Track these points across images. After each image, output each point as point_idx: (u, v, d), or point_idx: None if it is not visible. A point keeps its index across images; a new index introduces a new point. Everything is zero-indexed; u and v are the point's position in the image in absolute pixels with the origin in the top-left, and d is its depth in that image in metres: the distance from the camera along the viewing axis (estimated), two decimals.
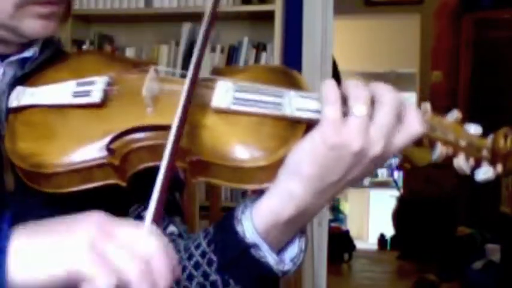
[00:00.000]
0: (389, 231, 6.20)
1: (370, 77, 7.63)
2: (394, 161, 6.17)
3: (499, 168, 0.71)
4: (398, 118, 0.67)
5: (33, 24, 0.78)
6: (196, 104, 0.70)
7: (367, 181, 7.60)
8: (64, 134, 0.75)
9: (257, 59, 2.95)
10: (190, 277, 0.73)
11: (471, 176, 0.71)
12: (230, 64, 2.96)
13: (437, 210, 5.12)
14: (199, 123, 0.71)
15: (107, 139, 0.72)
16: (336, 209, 6.74)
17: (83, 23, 3.21)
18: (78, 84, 0.77)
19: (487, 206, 4.35)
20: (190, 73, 0.70)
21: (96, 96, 0.74)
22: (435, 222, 5.10)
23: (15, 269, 0.57)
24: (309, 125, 0.69)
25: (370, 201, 7.52)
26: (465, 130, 0.71)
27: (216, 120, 0.71)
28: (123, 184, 0.73)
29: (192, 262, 0.74)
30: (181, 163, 0.70)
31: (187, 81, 0.69)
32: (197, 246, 0.74)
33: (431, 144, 0.70)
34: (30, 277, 0.57)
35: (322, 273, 2.95)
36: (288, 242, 0.73)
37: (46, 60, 0.83)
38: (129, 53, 3.12)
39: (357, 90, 0.67)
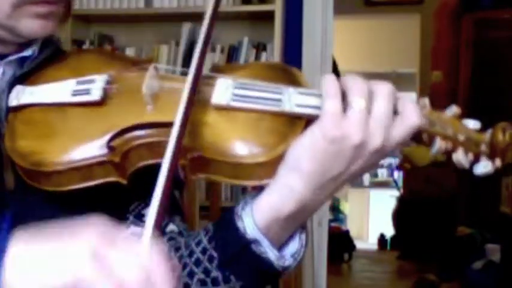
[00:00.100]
0: (389, 231, 6.20)
1: (370, 77, 7.58)
2: (394, 161, 6.19)
3: (498, 162, 0.71)
4: (395, 109, 0.68)
5: (31, 24, 0.79)
6: (196, 101, 0.70)
7: (367, 181, 7.61)
8: (64, 132, 0.75)
9: (257, 59, 2.95)
10: (191, 274, 0.74)
11: (470, 171, 0.72)
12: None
13: (437, 210, 5.12)
14: (200, 120, 0.71)
15: (107, 137, 0.72)
16: (336, 209, 6.74)
17: (83, 23, 3.21)
18: (78, 83, 0.77)
19: (487, 206, 4.36)
20: (192, 71, 0.70)
21: (95, 95, 0.75)
22: (435, 222, 5.11)
23: (12, 275, 0.56)
24: (308, 121, 0.69)
25: (370, 201, 7.52)
26: (464, 125, 0.72)
27: (216, 117, 0.71)
28: (124, 182, 0.73)
29: (193, 259, 0.74)
30: (181, 160, 0.70)
31: (189, 79, 0.70)
32: (198, 243, 0.74)
33: (431, 139, 0.70)
34: (28, 284, 0.56)
35: (322, 273, 2.95)
36: (289, 238, 0.73)
37: (45, 59, 0.83)
38: (129, 53, 3.12)
39: (355, 84, 0.68)
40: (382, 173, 7.66)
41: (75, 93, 0.76)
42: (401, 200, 5.89)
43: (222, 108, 0.71)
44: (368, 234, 7.21)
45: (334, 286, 4.01)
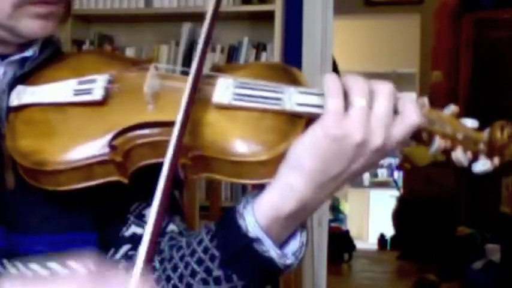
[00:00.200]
0: (389, 231, 6.20)
1: (370, 77, 7.61)
2: (394, 161, 6.17)
3: (496, 160, 0.72)
4: (395, 108, 0.68)
5: (31, 24, 0.79)
6: (197, 100, 0.71)
7: (367, 181, 7.61)
8: (65, 132, 0.75)
9: (257, 59, 2.95)
10: (193, 273, 0.74)
11: (469, 169, 0.73)
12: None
13: (437, 210, 5.12)
14: (201, 119, 0.71)
15: (109, 136, 0.73)
16: (336, 209, 6.74)
17: (83, 23, 3.21)
18: (79, 83, 0.77)
19: (487, 206, 4.36)
20: (193, 70, 0.71)
21: (97, 94, 0.75)
22: (435, 222, 5.11)
23: None
24: (309, 120, 0.70)
25: (370, 201, 7.52)
26: (462, 124, 0.72)
27: (217, 116, 0.71)
28: (125, 181, 0.73)
29: (194, 258, 0.74)
30: (183, 159, 0.70)
31: (190, 78, 0.70)
32: (199, 242, 0.74)
33: (430, 138, 0.71)
34: None
35: (322, 273, 2.95)
36: (290, 236, 0.74)
37: (46, 59, 0.83)
38: (129, 53, 3.12)
39: (356, 84, 0.68)
40: (382, 173, 7.66)
41: (77, 92, 0.76)
42: (401, 200, 5.89)
43: (223, 108, 0.71)
44: (368, 234, 7.21)
45: (334, 286, 4.01)
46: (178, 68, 0.79)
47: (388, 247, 6.32)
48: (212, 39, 0.79)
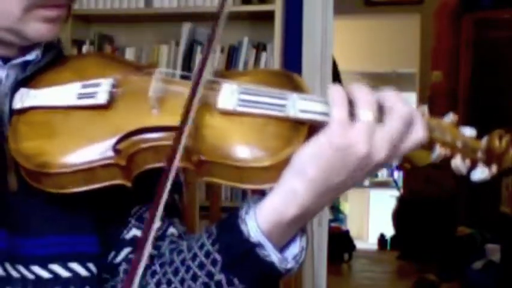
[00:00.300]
0: (389, 231, 6.20)
1: (370, 77, 7.64)
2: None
3: (494, 168, 0.73)
4: (408, 129, 0.69)
5: (39, 28, 0.79)
6: (201, 105, 0.71)
7: (367, 181, 7.61)
8: (69, 135, 0.75)
9: (257, 59, 2.95)
10: (194, 277, 0.74)
11: (467, 177, 0.73)
12: (230, 64, 2.96)
13: (437, 210, 5.12)
14: (205, 124, 0.72)
15: (114, 140, 0.73)
16: (336, 209, 6.74)
17: (83, 23, 3.21)
18: (83, 86, 0.77)
19: (487, 206, 4.36)
20: (197, 75, 0.71)
21: (102, 98, 0.75)
22: (435, 222, 5.11)
23: None
24: (312, 127, 0.71)
25: (370, 201, 7.53)
26: (461, 132, 0.73)
27: (221, 122, 0.72)
28: (129, 184, 0.74)
29: (196, 262, 0.74)
30: (187, 163, 0.70)
31: (194, 83, 0.71)
32: (201, 246, 0.74)
33: (430, 145, 0.72)
34: None
35: (322, 273, 2.95)
36: (290, 241, 0.74)
37: (48, 63, 0.83)
38: (129, 53, 3.12)
39: (364, 95, 0.69)
40: (382, 173, 7.66)
41: (81, 96, 0.76)
42: (401, 200, 5.89)
43: (227, 113, 0.72)
44: (368, 234, 7.21)
45: (334, 286, 4.01)
46: (178, 72, 0.79)
47: (388, 247, 6.32)
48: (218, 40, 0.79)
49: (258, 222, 0.71)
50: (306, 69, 2.92)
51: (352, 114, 0.68)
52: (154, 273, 0.77)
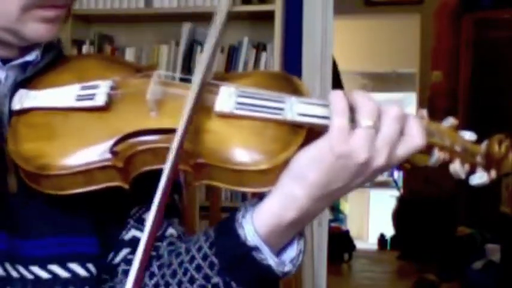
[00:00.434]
0: (389, 231, 6.20)
1: (370, 77, 7.64)
2: None
3: (493, 173, 0.73)
4: (401, 130, 0.69)
5: (37, 28, 0.79)
6: (199, 108, 0.71)
7: None
8: (67, 137, 0.76)
9: (257, 59, 2.95)
10: (191, 280, 0.74)
11: (466, 181, 0.74)
12: (230, 64, 2.96)
13: (437, 210, 5.12)
14: (203, 127, 0.72)
15: (111, 142, 0.73)
16: (336, 209, 6.74)
17: (83, 23, 3.21)
18: (82, 88, 0.77)
19: (487, 206, 4.35)
20: (196, 78, 0.71)
21: (100, 100, 0.75)
22: (435, 222, 5.11)
23: None
24: (310, 131, 0.71)
25: (370, 201, 7.52)
26: (460, 136, 0.73)
27: (219, 124, 0.72)
28: (126, 186, 0.74)
29: (193, 265, 0.74)
30: (184, 166, 0.70)
31: (193, 87, 0.71)
32: (198, 249, 0.74)
33: (429, 149, 0.72)
34: None
35: (322, 273, 2.95)
36: (287, 244, 0.74)
37: (48, 64, 0.83)
38: (129, 53, 3.12)
39: (365, 102, 0.69)
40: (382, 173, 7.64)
41: (79, 98, 0.76)
42: (401, 200, 5.90)
43: (225, 116, 0.72)
44: (368, 234, 7.21)
45: (334, 286, 4.01)
46: (178, 75, 0.79)
47: (388, 247, 6.32)
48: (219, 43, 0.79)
49: (255, 225, 0.71)
50: (306, 69, 2.92)
51: (352, 120, 0.68)
52: (152, 275, 0.77)
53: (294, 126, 0.71)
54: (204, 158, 0.70)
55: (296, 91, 0.74)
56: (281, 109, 0.71)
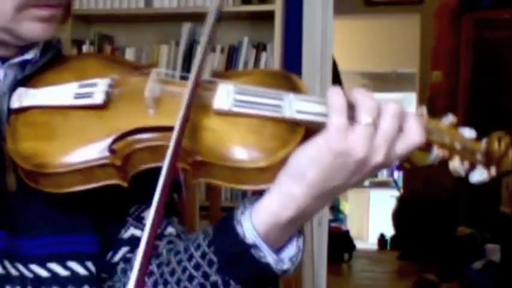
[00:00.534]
0: (389, 231, 6.20)
1: (370, 77, 7.64)
2: None
3: (493, 171, 0.73)
4: (400, 128, 0.69)
5: (33, 27, 0.79)
6: (197, 106, 0.71)
7: (367, 181, 7.61)
8: (66, 135, 0.76)
9: (257, 59, 2.95)
10: (190, 278, 0.74)
11: (466, 178, 0.73)
12: (230, 64, 2.96)
13: (437, 210, 5.12)
14: (201, 124, 0.72)
15: (109, 140, 0.73)
16: (336, 209, 6.74)
17: (83, 23, 3.21)
18: (80, 86, 0.77)
19: (487, 206, 4.36)
20: (192, 75, 0.71)
21: (98, 98, 0.75)
22: (435, 222, 5.10)
23: None
24: (309, 128, 0.71)
25: (370, 201, 7.52)
26: (460, 134, 0.73)
27: (217, 122, 0.72)
28: (125, 184, 0.74)
29: (192, 263, 0.74)
30: (182, 164, 0.70)
31: (189, 84, 0.70)
32: (197, 247, 0.74)
33: (428, 147, 0.72)
34: None
35: (322, 273, 2.95)
36: (286, 242, 0.74)
37: (47, 62, 0.83)
38: (129, 53, 3.12)
39: (365, 100, 0.69)
40: (382, 173, 7.65)
41: (78, 96, 0.76)
42: (401, 200, 5.89)
43: (223, 114, 0.72)
44: (368, 234, 7.21)
45: (334, 286, 4.01)
46: (178, 73, 0.79)
47: (388, 247, 6.32)
48: (212, 42, 0.79)
49: (253, 223, 0.71)
50: (306, 69, 2.92)
51: (351, 117, 0.68)
52: (151, 273, 0.77)
53: (293, 124, 0.71)
54: (202, 155, 0.70)
55: (295, 89, 0.73)
56: (279, 106, 0.71)
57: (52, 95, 0.78)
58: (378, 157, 0.68)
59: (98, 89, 0.76)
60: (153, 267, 0.78)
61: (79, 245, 0.80)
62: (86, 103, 0.76)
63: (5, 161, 0.77)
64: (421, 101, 5.96)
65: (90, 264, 0.80)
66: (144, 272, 0.58)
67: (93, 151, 0.73)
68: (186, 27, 3.02)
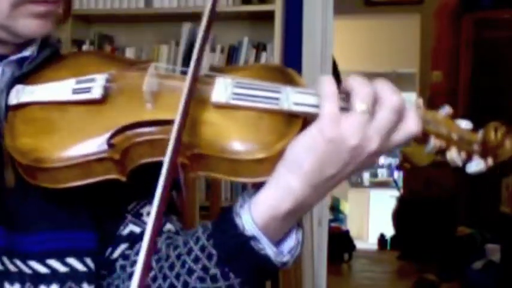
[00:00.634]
0: (389, 231, 6.21)
1: (370, 77, 7.62)
2: (394, 161, 6.16)
3: (490, 161, 0.73)
4: (399, 119, 0.69)
5: (29, 24, 0.79)
6: (195, 99, 0.71)
7: (367, 181, 7.61)
8: (64, 130, 0.76)
9: (257, 59, 2.95)
10: (190, 271, 0.74)
11: (463, 169, 0.74)
12: (230, 64, 2.96)
13: (437, 210, 5.12)
14: (199, 118, 0.72)
15: (108, 134, 0.73)
16: (336, 209, 6.74)
17: (83, 23, 3.21)
18: (78, 82, 0.77)
19: (487, 206, 4.36)
20: (191, 69, 0.71)
21: (96, 93, 0.75)
22: (435, 222, 5.11)
23: None
24: (306, 120, 0.71)
25: (370, 201, 7.53)
26: (457, 124, 0.73)
27: (216, 115, 0.72)
28: (123, 179, 0.74)
29: (191, 256, 0.74)
30: (181, 157, 0.70)
31: (188, 77, 0.71)
32: (196, 241, 0.74)
33: (425, 138, 0.72)
34: None
35: (322, 273, 2.95)
36: (285, 234, 0.74)
37: (44, 60, 0.83)
38: (129, 53, 3.13)
39: (360, 87, 0.68)
40: (382, 173, 7.67)
41: (76, 91, 0.76)
42: (401, 200, 5.90)
43: (221, 107, 0.72)
44: (368, 234, 7.21)
45: (334, 286, 4.01)
46: (178, 68, 0.79)
47: (388, 247, 6.32)
48: (211, 39, 0.79)
49: (252, 216, 0.71)
50: (306, 69, 2.92)
51: (347, 105, 0.68)
52: (150, 268, 0.77)
53: (290, 116, 0.71)
54: (200, 148, 0.70)
55: (292, 82, 0.73)
56: (277, 99, 0.71)
57: (50, 90, 0.78)
58: (373, 145, 0.68)
59: (96, 84, 0.76)
60: (152, 262, 0.78)
61: (78, 241, 0.80)
62: (84, 98, 0.76)
63: (3, 158, 0.77)
64: None
65: (89, 261, 0.80)
66: (146, 271, 0.58)
67: (91, 145, 0.73)
68: (186, 27, 3.02)
